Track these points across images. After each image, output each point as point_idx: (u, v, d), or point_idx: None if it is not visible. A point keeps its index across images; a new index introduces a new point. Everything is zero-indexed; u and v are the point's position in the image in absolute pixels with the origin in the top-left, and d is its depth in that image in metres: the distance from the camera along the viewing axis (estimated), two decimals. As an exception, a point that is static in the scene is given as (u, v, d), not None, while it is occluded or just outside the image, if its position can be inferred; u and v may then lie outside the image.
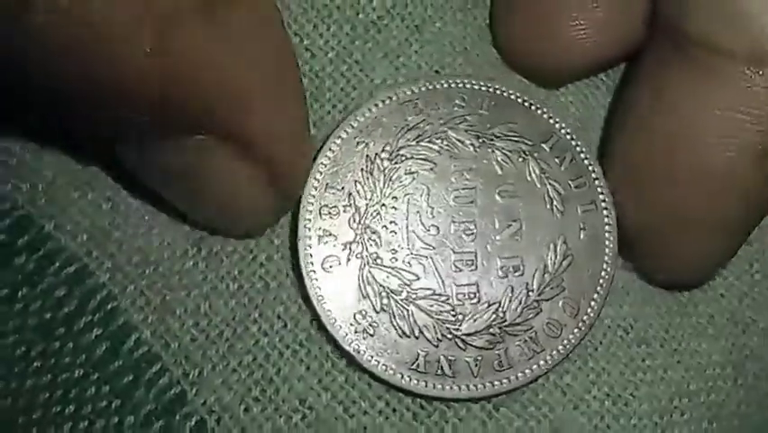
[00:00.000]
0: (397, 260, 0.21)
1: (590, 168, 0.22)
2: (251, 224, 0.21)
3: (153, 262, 0.22)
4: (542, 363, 0.21)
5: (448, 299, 0.21)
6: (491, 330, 0.21)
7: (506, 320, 0.21)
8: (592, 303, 0.22)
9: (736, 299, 0.23)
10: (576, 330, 0.21)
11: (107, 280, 0.21)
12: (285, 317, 0.21)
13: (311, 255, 0.21)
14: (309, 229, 0.21)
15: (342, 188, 0.22)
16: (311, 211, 0.21)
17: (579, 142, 0.23)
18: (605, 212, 0.22)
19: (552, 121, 0.23)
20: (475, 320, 0.21)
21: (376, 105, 0.22)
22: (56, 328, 0.21)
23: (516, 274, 0.22)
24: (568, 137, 0.23)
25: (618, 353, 0.22)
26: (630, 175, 0.22)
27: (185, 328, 0.21)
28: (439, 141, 0.22)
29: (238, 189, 0.20)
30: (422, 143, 0.22)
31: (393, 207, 0.22)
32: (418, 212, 0.22)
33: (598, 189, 0.22)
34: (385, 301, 0.21)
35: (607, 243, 0.22)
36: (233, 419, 0.21)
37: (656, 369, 0.22)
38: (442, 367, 0.21)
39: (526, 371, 0.21)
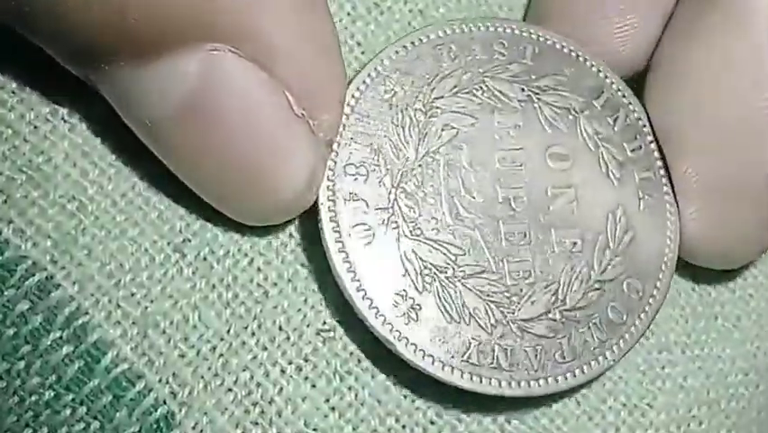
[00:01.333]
0: (439, 231, 0.19)
1: (645, 129, 0.21)
2: (281, 185, 0.18)
3: (129, 271, 0.20)
4: (608, 354, 0.19)
5: (501, 279, 0.19)
6: (551, 315, 0.19)
7: (566, 304, 0.19)
8: (658, 283, 0.20)
9: (764, 301, 0.22)
10: (643, 315, 0.20)
11: (76, 293, 0.19)
12: (287, 328, 0.19)
13: (337, 224, 0.18)
14: (333, 192, 0.19)
15: (370, 144, 0.19)
16: (333, 171, 0.19)
17: (631, 101, 0.21)
18: (664, 180, 0.21)
19: (602, 75, 0.21)
20: (533, 303, 0.19)
21: (404, 47, 0.20)
22: (20, 346, 0.19)
23: (575, 250, 0.20)
24: (620, 94, 0.21)
25: (637, 360, 0.21)
26: (673, 133, 0.20)
27: (171, 343, 0.19)
28: (479, 92, 0.20)
29: (258, 124, 0.17)
30: (460, 95, 0.20)
31: (431, 169, 0.19)
32: (459, 175, 0.19)
33: (655, 155, 0.21)
34: (428, 280, 0.19)
35: (668, 214, 0.20)
36: (228, 443, 0.19)
37: (676, 377, 0.21)
38: (497, 358, 0.19)
39: (593, 363, 0.19)
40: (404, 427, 0.20)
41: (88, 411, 0.19)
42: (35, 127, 0.20)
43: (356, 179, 0.19)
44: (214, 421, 0.19)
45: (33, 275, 0.19)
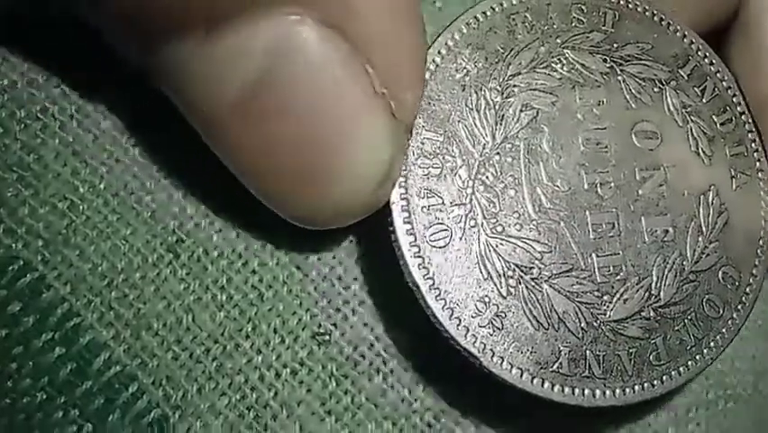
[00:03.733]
0: (522, 227, 0.18)
1: (735, 100, 0.20)
2: (356, 174, 0.16)
3: (122, 271, 0.19)
4: (706, 351, 0.18)
5: (590, 276, 0.18)
6: (644, 314, 0.18)
7: (660, 300, 0.18)
8: (754, 270, 0.19)
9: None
10: (740, 306, 0.19)
11: (68, 293, 0.19)
12: (282, 331, 0.19)
13: (412, 226, 0.17)
14: (406, 189, 0.17)
15: (444, 130, 0.17)
16: (404, 164, 0.17)
17: (720, 68, 0.20)
18: (756, 155, 0.19)
19: (686, 41, 0.19)
20: (625, 302, 0.18)
21: (476, 17, 0.18)
22: (12, 348, 0.19)
23: (667, 239, 0.18)
24: (706, 61, 0.20)
25: None
26: (764, 107, 0.19)
27: (165, 345, 0.19)
28: (559, 65, 0.18)
29: (336, 102, 0.15)
30: (538, 70, 0.18)
31: (510, 156, 0.18)
32: (540, 161, 0.18)
33: (746, 127, 0.19)
34: (513, 283, 0.17)
35: (762, 193, 0.19)
36: (223, 447, 0.19)
37: None
38: (590, 366, 0.17)
39: (690, 363, 0.18)
40: (401, 430, 0.19)
41: (81, 414, 0.19)
42: (25, 125, 0.19)
43: (429, 172, 0.17)
44: (209, 425, 0.19)
45: (25, 276, 0.19)
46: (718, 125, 0.19)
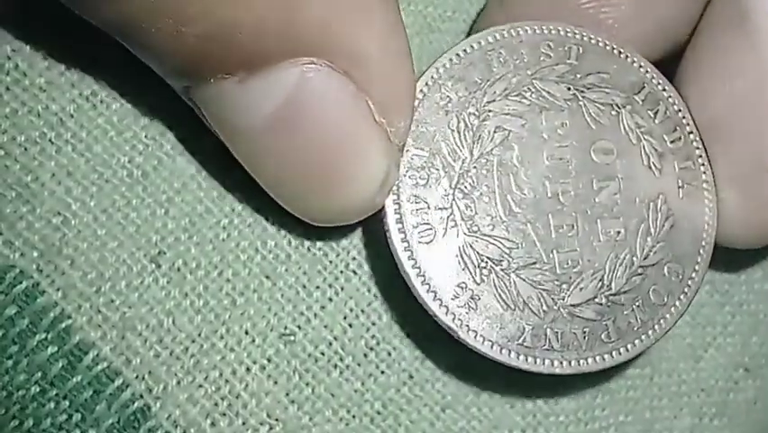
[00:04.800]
0: (494, 227, 0.20)
1: (685, 121, 0.22)
2: (358, 185, 0.19)
3: (109, 279, 0.21)
4: (651, 332, 0.21)
5: (551, 268, 0.21)
6: (597, 300, 0.21)
7: (612, 289, 0.21)
8: (696, 267, 0.21)
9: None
10: (682, 296, 0.21)
11: (60, 298, 0.21)
12: (253, 332, 0.22)
13: (402, 225, 0.20)
14: (398, 196, 0.20)
15: (429, 148, 0.20)
16: (397, 175, 0.20)
17: (671, 94, 0.22)
18: (702, 168, 0.21)
19: (642, 70, 0.22)
20: (581, 290, 0.21)
21: (457, 54, 0.21)
22: (8, 346, 0.21)
23: (619, 239, 0.21)
24: (659, 88, 0.22)
25: None
26: (714, 121, 0.21)
27: (147, 344, 0.21)
28: (528, 93, 0.21)
29: (344, 129, 0.18)
30: (510, 97, 0.21)
31: (485, 169, 0.21)
32: (511, 173, 0.21)
33: (694, 144, 0.21)
34: (485, 272, 0.20)
35: (707, 201, 0.21)
36: (199, 432, 0.21)
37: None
38: (549, 340, 0.20)
39: (636, 341, 0.21)
40: (354, 417, 0.22)
41: (71, 405, 0.21)
42: (25, 149, 0.21)
43: (417, 182, 0.20)
44: (187, 413, 0.21)
45: (21, 282, 0.21)
46: (669, 143, 0.22)
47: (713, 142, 0.22)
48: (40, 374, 0.21)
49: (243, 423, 0.21)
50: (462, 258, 0.20)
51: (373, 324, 0.22)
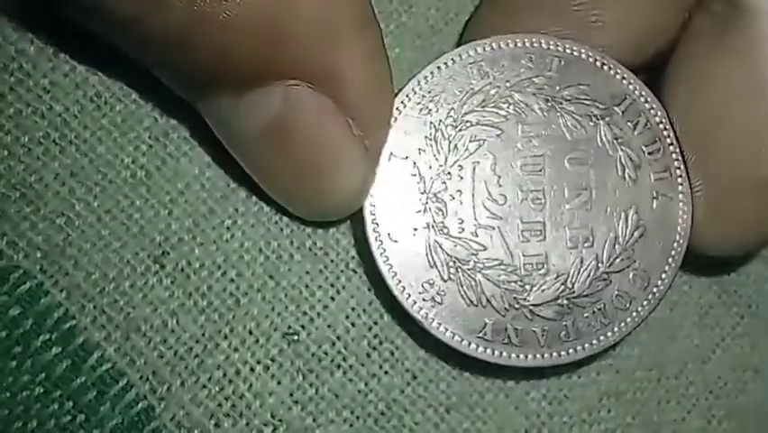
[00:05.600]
0: (463, 230, 0.21)
1: (665, 132, 0.22)
2: (338, 191, 0.21)
3: (113, 280, 0.21)
4: (609, 334, 0.21)
5: (516, 270, 0.21)
6: (559, 301, 0.21)
7: (574, 292, 0.21)
8: (663, 276, 0.22)
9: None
10: (645, 303, 0.22)
11: (64, 299, 0.21)
12: (256, 332, 0.22)
13: (378, 225, 0.21)
14: (375, 198, 0.21)
15: (407, 156, 0.21)
16: (376, 181, 0.21)
17: (654, 105, 0.22)
18: (679, 180, 0.22)
19: (625, 82, 0.22)
20: (543, 291, 0.21)
21: (438, 68, 0.22)
22: (12, 347, 0.21)
23: (586, 245, 0.22)
24: (642, 99, 0.22)
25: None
26: (689, 136, 0.22)
27: (151, 345, 0.21)
28: (505, 105, 0.22)
29: (324, 142, 0.20)
30: (488, 108, 0.22)
31: (459, 176, 0.21)
32: (485, 180, 0.22)
33: (673, 156, 0.22)
34: (452, 270, 0.21)
35: (681, 212, 0.22)
36: (202, 433, 0.21)
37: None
38: (509, 336, 0.21)
39: (594, 342, 0.21)
40: (358, 418, 0.22)
41: (75, 406, 0.21)
42: (29, 149, 0.22)
43: (394, 186, 0.21)
44: (191, 414, 0.21)
45: (24, 283, 0.21)
46: (647, 154, 0.22)
47: (691, 154, 0.22)
48: (44, 375, 0.21)
49: (247, 424, 0.21)
50: (431, 257, 0.21)
51: (375, 323, 0.22)
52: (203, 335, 0.22)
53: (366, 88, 0.20)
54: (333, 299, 0.22)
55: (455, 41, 0.25)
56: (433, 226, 0.21)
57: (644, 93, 0.22)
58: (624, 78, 0.22)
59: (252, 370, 0.22)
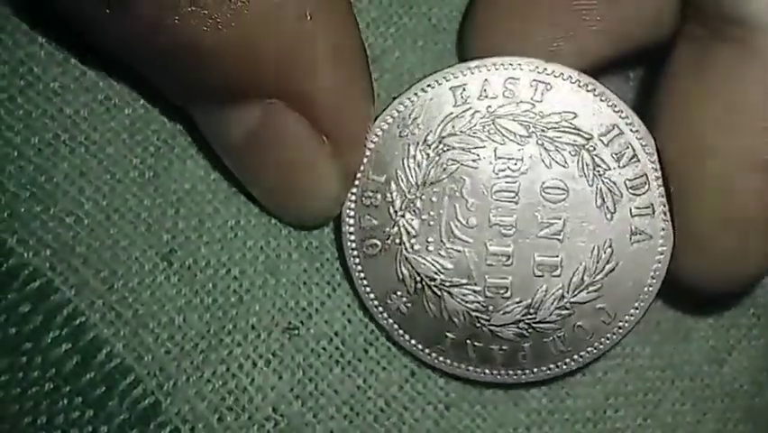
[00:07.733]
0: (433, 249, 0.22)
1: (653, 167, 0.22)
2: (313, 201, 0.22)
3: (121, 277, 0.22)
4: (568, 360, 0.22)
5: (480, 292, 0.22)
6: (520, 325, 0.22)
7: (536, 318, 0.22)
8: (630, 314, 0.22)
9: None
10: (606, 338, 0.22)
11: (73, 296, 0.22)
12: (259, 327, 0.22)
13: (352, 239, 0.22)
14: (352, 214, 0.22)
15: (385, 175, 0.22)
16: (353, 200, 0.22)
17: (644, 135, 0.22)
18: (662, 217, 0.22)
19: (617, 111, 0.22)
20: (505, 314, 0.22)
21: (423, 89, 0.22)
22: (22, 343, 0.22)
23: (554, 274, 0.22)
24: (632, 131, 0.22)
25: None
26: (673, 166, 0.21)
27: (159, 341, 0.22)
28: (485, 131, 0.22)
29: (299, 157, 0.21)
30: (466, 133, 0.22)
31: (434, 197, 0.22)
32: (455, 205, 0.22)
33: (658, 192, 0.22)
34: (419, 286, 0.22)
35: (657, 254, 0.22)
36: (206, 427, 0.22)
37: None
38: (467, 351, 0.22)
39: (551, 366, 0.22)
40: (357, 414, 0.22)
41: (84, 401, 0.21)
42: (39, 150, 0.22)
43: (371, 203, 0.22)
44: (195, 408, 0.22)
45: (34, 280, 0.22)
46: (629, 189, 0.22)
47: (676, 193, 0.22)
48: (54, 371, 0.22)
49: (249, 418, 0.22)
50: (400, 272, 0.22)
51: (371, 320, 0.23)
52: (208, 331, 0.22)
53: (338, 113, 0.21)
54: (329, 296, 0.23)
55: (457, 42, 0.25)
56: (404, 244, 0.22)
57: (634, 122, 0.22)
58: (614, 105, 0.22)
59: (255, 365, 0.22)
